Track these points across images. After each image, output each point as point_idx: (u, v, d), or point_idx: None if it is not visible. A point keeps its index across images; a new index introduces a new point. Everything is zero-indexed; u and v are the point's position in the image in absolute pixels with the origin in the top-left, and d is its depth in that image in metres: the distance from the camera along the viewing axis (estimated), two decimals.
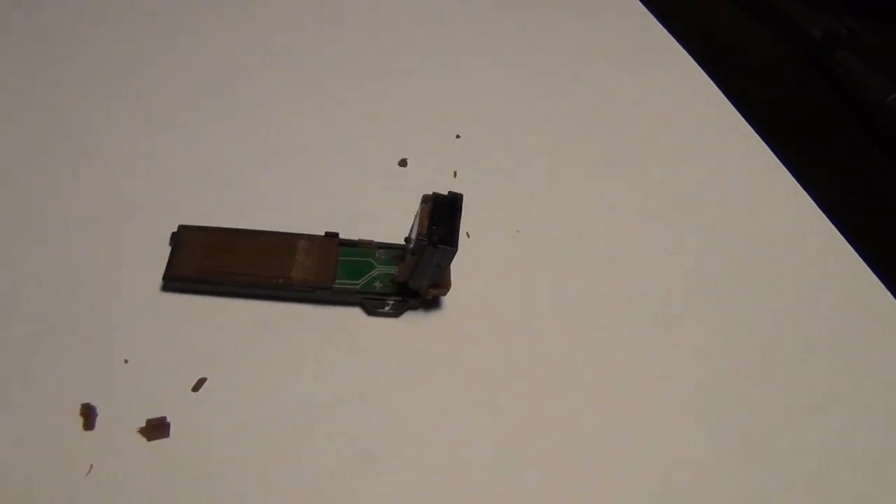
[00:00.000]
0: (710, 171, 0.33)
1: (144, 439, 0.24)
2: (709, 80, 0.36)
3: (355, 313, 0.27)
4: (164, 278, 0.27)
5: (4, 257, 0.27)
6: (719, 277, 0.30)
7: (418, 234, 0.25)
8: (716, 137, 0.34)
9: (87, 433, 0.24)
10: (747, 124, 0.34)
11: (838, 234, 0.31)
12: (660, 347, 0.28)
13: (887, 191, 0.34)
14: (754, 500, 0.24)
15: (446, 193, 0.26)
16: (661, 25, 0.38)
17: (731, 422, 0.26)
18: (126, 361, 0.25)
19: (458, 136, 0.33)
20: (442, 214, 0.26)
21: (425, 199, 0.26)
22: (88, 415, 0.24)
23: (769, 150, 0.33)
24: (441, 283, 0.27)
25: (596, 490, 0.24)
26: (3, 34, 0.34)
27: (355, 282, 0.27)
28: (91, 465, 0.23)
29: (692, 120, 0.35)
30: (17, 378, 0.24)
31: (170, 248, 0.27)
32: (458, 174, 0.32)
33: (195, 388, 0.25)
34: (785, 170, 0.33)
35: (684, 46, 0.37)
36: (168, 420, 0.24)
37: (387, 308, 0.27)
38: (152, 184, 0.30)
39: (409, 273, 0.26)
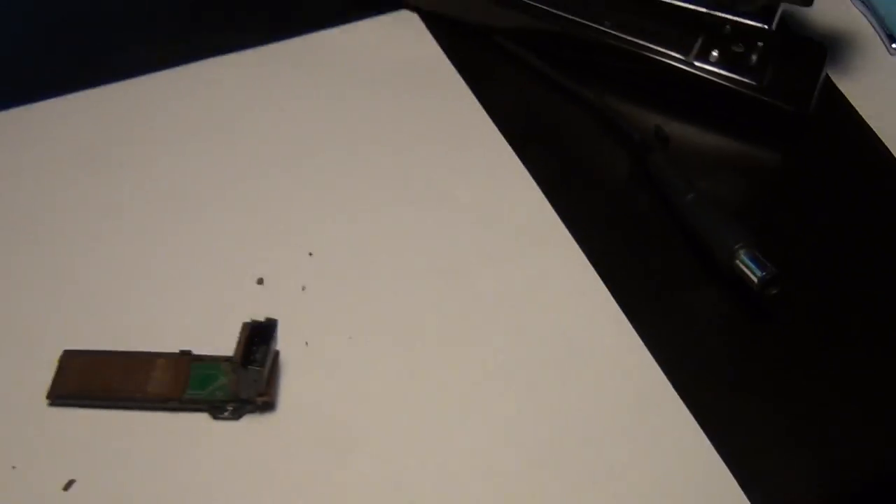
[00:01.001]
0: (525, 270, 0.38)
1: None
2: (538, 190, 0.41)
3: (203, 419, 0.33)
4: (48, 396, 0.33)
5: None
6: (525, 362, 0.35)
7: (234, 356, 0.31)
8: (536, 240, 0.39)
9: None
10: (562, 224, 0.39)
11: (631, 328, 0.36)
12: (470, 440, 0.33)
13: (684, 284, 0.38)
14: None
15: (263, 320, 0.32)
16: (501, 137, 0.43)
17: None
18: (14, 468, 0.32)
19: (310, 254, 0.39)
20: (260, 337, 0.32)
21: (244, 327, 0.32)
22: None
23: (576, 247, 0.39)
24: (264, 392, 0.33)
25: None
26: None
27: (201, 391, 0.33)
28: None
29: (519, 230, 0.40)
30: None
31: (55, 369, 0.34)
32: (306, 288, 0.38)
33: (66, 488, 0.31)
34: (587, 263, 0.38)
35: (520, 156, 0.42)
36: None
37: (226, 413, 0.33)
38: (41, 314, 0.36)
39: (236, 386, 0.32)
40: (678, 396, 0.34)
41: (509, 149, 0.42)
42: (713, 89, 0.43)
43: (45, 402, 0.33)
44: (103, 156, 0.42)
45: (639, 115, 0.44)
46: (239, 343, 0.32)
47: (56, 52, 0.46)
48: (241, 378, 0.32)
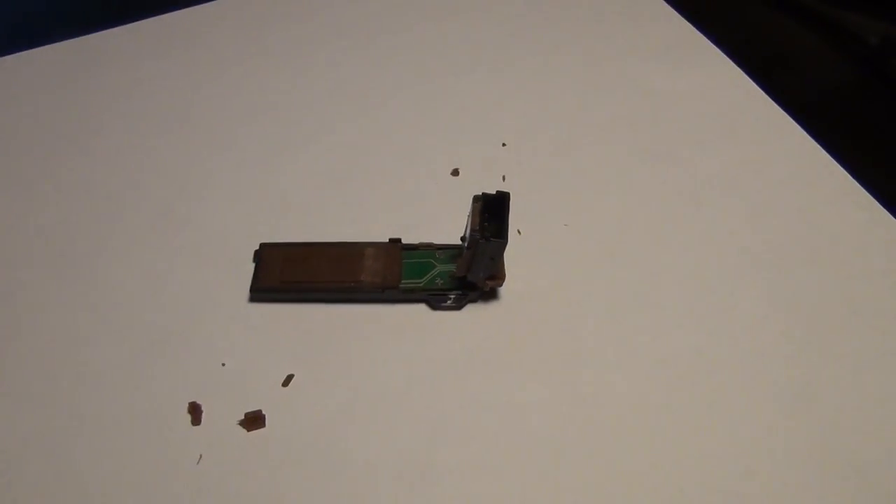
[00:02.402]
0: (745, 159, 0.35)
1: (245, 430, 0.27)
2: (745, 76, 0.38)
3: (421, 309, 0.30)
4: (250, 290, 0.30)
5: (120, 285, 0.31)
6: (762, 256, 0.32)
7: (472, 230, 0.28)
8: (752, 128, 0.36)
9: (196, 427, 0.27)
10: (787, 115, 0.36)
11: (879, 206, 0.33)
12: (708, 323, 0.30)
13: None
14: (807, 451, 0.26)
15: (494, 193, 0.29)
16: (696, 30, 0.40)
17: (780, 385, 0.28)
18: (224, 364, 0.29)
19: (504, 144, 0.36)
20: (492, 211, 0.28)
21: (476, 199, 0.28)
22: (195, 412, 0.27)
23: (808, 137, 0.35)
24: (496, 274, 0.29)
25: (663, 460, 0.26)
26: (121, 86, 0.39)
27: (419, 280, 0.30)
28: (201, 455, 0.26)
29: (727, 113, 0.37)
30: (134, 385, 0.28)
31: (254, 265, 0.31)
32: (506, 178, 0.34)
33: (285, 384, 0.28)
34: (816, 144, 0.34)
35: (723, 49, 0.39)
36: (263, 412, 0.27)
37: (449, 302, 0.30)
38: (235, 211, 0.33)
39: (466, 267, 0.29)
40: None
41: (707, 41, 0.39)
42: None
43: (247, 297, 0.30)
44: (305, 55, 0.41)
45: (868, 24, 0.40)
46: (472, 216, 0.28)
47: None
48: (475, 256, 0.28)
